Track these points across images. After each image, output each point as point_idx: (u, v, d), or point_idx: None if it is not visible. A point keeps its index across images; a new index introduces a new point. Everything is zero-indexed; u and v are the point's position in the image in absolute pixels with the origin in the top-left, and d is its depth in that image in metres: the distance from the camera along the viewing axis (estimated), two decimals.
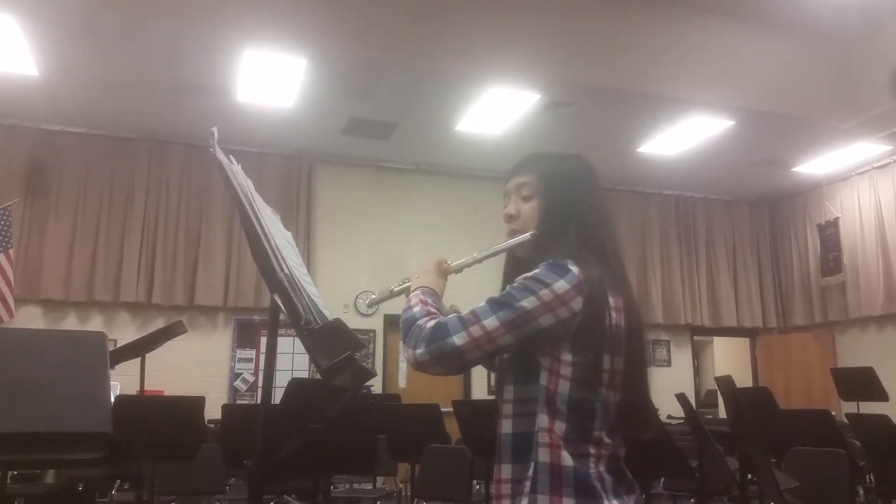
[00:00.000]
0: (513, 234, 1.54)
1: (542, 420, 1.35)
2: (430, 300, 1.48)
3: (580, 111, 7.16)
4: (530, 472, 1.33)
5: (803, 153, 8.36)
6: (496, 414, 1.46)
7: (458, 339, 1.34)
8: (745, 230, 10.21)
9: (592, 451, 1.34)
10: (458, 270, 1.61)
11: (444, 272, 1.60)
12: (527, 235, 1.50)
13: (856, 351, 9.01)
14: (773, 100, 6.91)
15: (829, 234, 9.24)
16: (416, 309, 1.44)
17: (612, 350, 1.38)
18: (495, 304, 1.36)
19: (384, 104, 7.11)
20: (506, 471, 1.38)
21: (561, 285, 1.35)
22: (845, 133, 7.51)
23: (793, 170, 8.90)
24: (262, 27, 5.59)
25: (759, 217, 10.33)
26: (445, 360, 1.35)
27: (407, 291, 1.58)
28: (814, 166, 8.75)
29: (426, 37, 6.05)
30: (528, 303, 1.34)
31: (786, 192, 9.86)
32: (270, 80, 6.40)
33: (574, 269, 1.37)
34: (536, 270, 1.38)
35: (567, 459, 1.32)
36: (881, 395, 6.50)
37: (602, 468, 1.34)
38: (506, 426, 1.41)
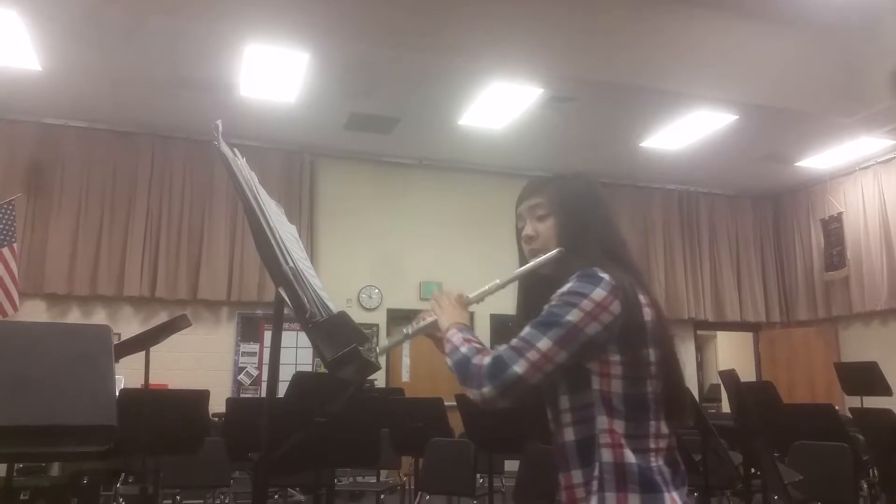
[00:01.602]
0: (534, 253, 1.58)
1: (602, 422, 1.40)
2: (470, 336, 1.51)
3: (583, 106, 7.15)
4: (596, 473, 1.38)
5: (807, 148, 8.34)
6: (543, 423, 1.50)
7: (519, 368, 1.37)
8: (749, 225, 10.20)
9: (652, 444, 1.41)
10: (480, 300, 1.63)
11: (465, 304, 1.62)
12: (553, 253, 1.54)
13: (859, 346, 9.00)
14: (776, 94, 6.88)
15: (833, 229, 9.22)
16: (464, 349, 1.46)
17: (652, 343, 1.44)
18: (542, 325, 1.40)
19: (386, 99, 7.11)
20: (576, 476, 1.43)
21: (598, 293, 1.40)
22: (849, 128, 7.49)
23: (796, 165, 8.88)
24: (265, 21, 5.59)
25: (762, 212, 10.31)
26: (511, 391, 1.38)
27: (425, 329, 1.61)
28: (817, 161, 8.72)
29: (428, 31, 6.04)
30: (572, 316, 1.38)
31: (789, 186, 9.84)
32: (273, 74, 6.39)
33: (604, 275, 1.42)
34: (570, 284, 1.43)
35: (630, 457, 1.37)
36: (884, 390, 6.49)
37: (661, 461, 1.40)
38: (567, 434, 1.45)
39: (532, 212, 1.61)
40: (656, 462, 1.39)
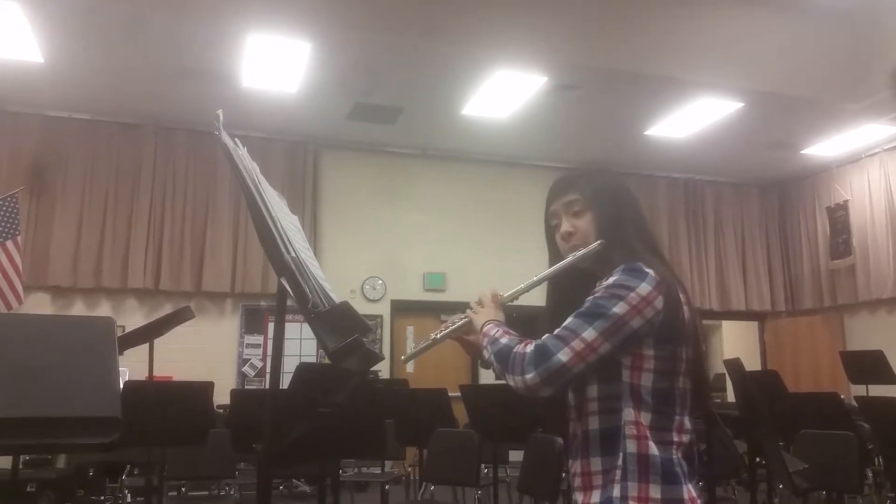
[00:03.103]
0: (574, 249, 1.58)
1: (629, 414, 1.42)
2: (508, 330, 1.53)
3: (588, 94, 7.11)
4: (619, 462, 1.41)
5: (813, 135, 8.29)
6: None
7: (564, 356, 1.39)
8: (754, 213, 10.16)
9: (675, 438, 1.44)
10: (514, 298, 1.63)
11: (499, 304, 1.62)
12: (595, 245, 1.54)
13: (865, 334, 8.98)
14: (782, 81, 6.83)
15: (839, 217, 9.17)
16: (505, 340, 1.48)
17: (685, 341, 1.47)
18: (588, 316, 1.42)
19: (389, 89, 7.08)
20: (595, 463, 1.45)
21: (644, 287, 1.42)
22: (855, 115, 7.44)
23: (802, 152, 8.83)
24: (266, 12, 5.56)
25: (768, 200, 10.27)
26: (554, 379, 1.40)
27: (450, 336, 1.61)
28: (823, 148, 8.68)
29: (431, 20, 6.00)
30: (619, 308, 1.41)
31: (795, 174, 9.79)
32: (275, 64, 6.37)
33: (649, 270, 1.45)
34: (615, 277, 1.45)
35: (654, 449, 1.41)
36: (890, 378, 6.48)
37: (680, 454, 1.44)
38: (592, 423, 1.47)
39: (568, 208, 1.61)
40: (677, 455, 1.42)
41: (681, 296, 1.49)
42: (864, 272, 8.80)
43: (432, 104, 7.44)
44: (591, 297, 1.45)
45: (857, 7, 6.49)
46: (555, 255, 1.64)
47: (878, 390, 6.26)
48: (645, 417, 1.42)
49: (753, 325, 10.47)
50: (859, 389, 6.82)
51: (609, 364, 1.43)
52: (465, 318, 1.60)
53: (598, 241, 1.54)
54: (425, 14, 5.97)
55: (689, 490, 1.42)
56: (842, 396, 4.68)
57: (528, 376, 1.40)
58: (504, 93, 7.00)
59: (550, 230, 1.65)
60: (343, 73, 6.65)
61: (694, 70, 6.62)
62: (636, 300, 1.41)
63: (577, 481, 1.49)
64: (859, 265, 8.86)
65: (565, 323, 1.43)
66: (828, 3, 6.50)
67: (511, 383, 1.43)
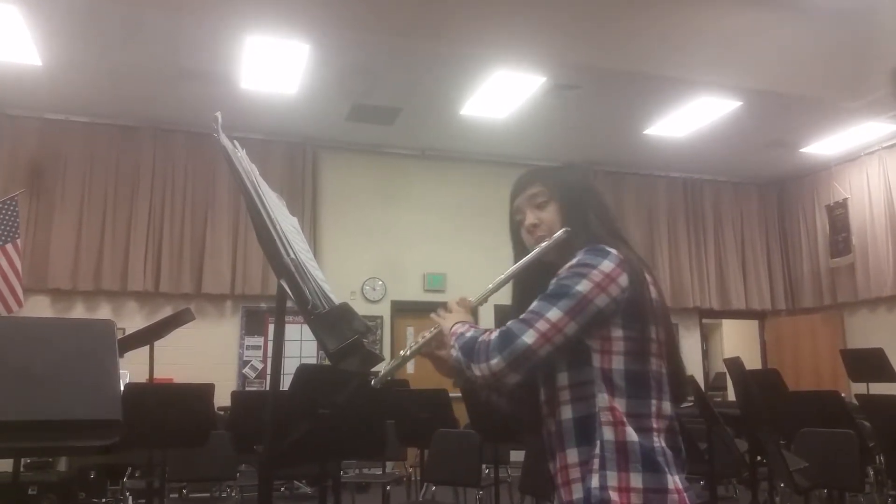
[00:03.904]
0: (540, 241, 1.56)
1: (603, 399, 1.37)
2: (476, 325, 1.50)
3: (586, 94, 7.11)
4: (597, 451, 1.35)
5: (811, 134, 8.30)
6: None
7: (528, 338, 1.35)
8: (754, 212, 10.16)
9: (655, 424, 1.38)
10: (483, 301, 1.61)
11: (468, 308, 1.60)
12: (560, 233, 1.53)
13: (865, 332, 8.98)
14: (780, 80, 6.83)
15: (838, 215, 9.18)
16: (470, 333, 1.45)
17: (656, 321, 1.43)
18: (552, 297, 1.39)
19: (388, 89, 7.08)
20: (571, 455, 1.40)
21: (606, 264, 1.40)
22: (854, 113, 7.44)
23: (801, 151, 8.83)
24: (265, 13, 5.56)
25: (767, 199, 10.27)
26: (521, 362, 1.35)
27: (419, 352, 1.57)
28: (822, 147, 8.68)
29: (430, 20, 6.00)
30: (582, 287, 1.38)
31: (794, 173, 9.80)
32: (274, 66, 6.37)
33: (612, 250, 1.43)
34: (578, 257, 1.43)
35: (632, 435, 1.35)
36: (890, 376, 6.48)
37: (663, 442, 1.38)
38: (565, 412, 1.42)
39: (532, 200, 1.60)
40: (659, 442, 1.37)
41: (647, 276, 1.46)
42: (864, 270, 8.80)
43: (431, 105, 7.44)
44: (554, 280, 1.42)
45: (856, 5, 6.49)
46: (520, 253, 1.62)
47: (878, 388, 6.25)
48: (620, 403, 1.36)
49: (753, 323, 10.47)
50: (860, 387, 6.82)
51: (578, 349, 1.39)
52: (434, 329, 1.56)
53: (563, 229, 1.53)
54: (424, 15, 5.97)
55: (675, 480, 1.34)
56: (842, 395, 4.68)
57: (493, 361, 1.35)
58: (503, 93, 7.00)
59: (515, 226, 1.64)
60: (342, 75, 6.65)
61: (693, 69, 6.62)
62: (599, 277, 1.38)
63: (558, 478, 1.43)
64: (859, 263, 8.87)
65: (530, 307, 1.40)
66: (826, 2, 6.50)
67: (477, 373, 1.38)
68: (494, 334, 1.39)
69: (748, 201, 10.17)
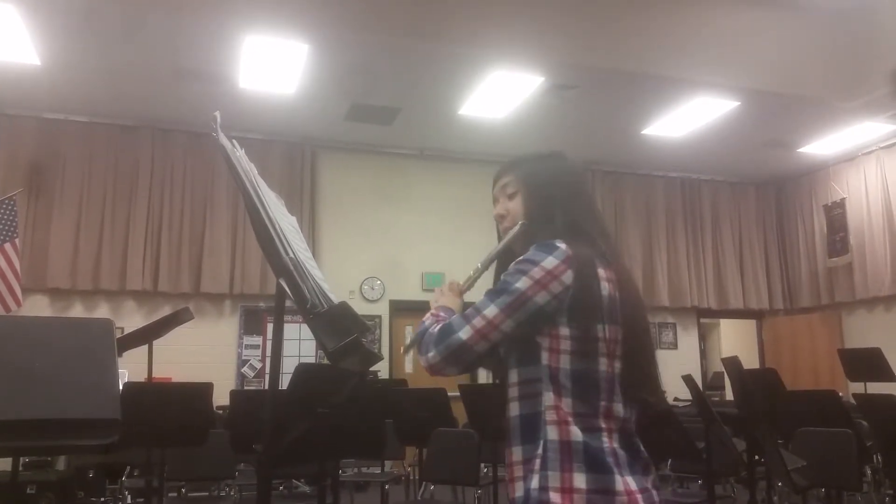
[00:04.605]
0: (506, 231, 1.60)
1: (548, 398, 1.36)
2: (441, 313, 1.53)
3: (584, 93, 7.11)
4: (539, 451, 1.34)
5: (809, 134, 8.31)
6: (501, 400, 1.48)
7: (464, 334, 1.39)
8: (752, 212, 10.18)
9: (604, 424, 1.36)
10: (471, 285, 1.64)
11: (458, 291, 1.64)
12: (517, 227, 1.56)
13: (863, 332, 9.00)
14: (778, 80, 6.85)
15: (836, 215, 9.19)
16: (427, 321, 1.50)
17: (608, 319, 1.40)
18: (492, 293, 1.42)
19: (387, 89, 7.08)
20: (517, 453, 1.39)
21: (550, 261, 1.39)
22: (851, 113, 7.46)
23: (798, 150, 8.84)
24: (264, 13, 5.56)
25: (765, 198, 10.29)
26: (455, 357, 1.39)
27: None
28: (820, 147, 8.69)
29: (428, 20, 6.00)
30: (521, 284, 1.38)
31: (792, 173, 9.81)
32: (272, 65, 6.37)
33: (561, 245, 1.42)
34: (526, 254, 1.44)
35: (577, 434, 1.33)
36: (888, 376, 6.49)
37: (615, 443, 1.35)
38: (513, 409, 1.42)
39: (503, 191, 1.62)
40: (609, 443, 1.34)
41: (603, 272, 1.42)
42: (862, 270, 8.81)
43: (430, 105, 7.44)
44: (503, 274, 1.45)
45: (854, 5, 6.50)
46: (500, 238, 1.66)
47: (876, 388, 6.27)
48: (566, 403, 1.34)
49: (751, 323, 10.48)
50: (857, 387, 6.83)
51: (528, 347, 1.39)
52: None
53: (520, 223, 1.55)
54: (422, 15, 5.98)
55: (627, 482, 1.31)
56: (840, 394, 4.68)
57: (430, 354, 1.40)
58: (501, 93, 7.01)
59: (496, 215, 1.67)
60: (340, 74, 6.65)
61: (690, 69, 6.63)
62: (539, 274, 1.37)
63: (507, 474, 1.43)
64: (857, 263, 8.88)
65: (475, 303, 1.43)
66: (824, 2, 6.52)
67: (422, 363, 1.43)
68: (437, 326, 1.44)
69: (746, 201, 10.19)
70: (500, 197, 1.63)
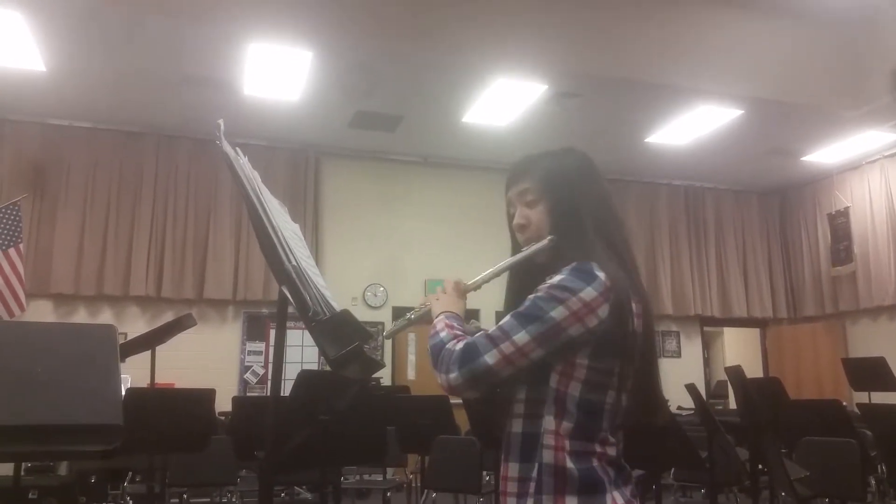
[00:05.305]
0: (528, 242, 1.50)
1: (549, 422, 1.34)
2: (454, 323, 1.45)
3: (588, 102, 7.12)
4: (534, 474, 1.33)
5: (813, 142, 8.30)
6: (503, 412, 1.44)
7: (490, 358, 1.31)
8: (755, 220, 10.16)
9: (598, 449, 1.34)
10: (477, 287, 1.57)
11: (462, 292, 1.56)
12: (545, 242, 1.45)
13: (867, 341, 8.96)
14: (782, 88, 6.85)
15: (840, 224, 9.18)
16: (443, 334, 1.41)
17: (628, 355, 1.36)
18: (523, 318, 1.33)
19: (390, 97, 7.10)
20: (513, 469, 1.37)
21: (588, 292, 1.32)
22: (855, 121, 7.45)
23: (802, 159, 8.83)
24: (268, 20, 5.59)
25: (768, 207, 10.27)
26: (479, 381, 1.33)
27: (426, 317, 1.54)
28: (823, 155, 8.68)
29: (432, 28, 6.03)
30: (556, 314, 1.31)
31: (795, 181, 9.80)
32: (276, 73, 6.39)
33: (600, 274, 1.34)
34: (562, 276, 1.35)
35: (570, 461, 1.31)
36: (892, 385, 6.45)
37: (605, 463, 1.34)
38: (516, 425, 1.39)
39: (521, 198, 1.52)
40: (600, 463, 1.33)
41: (634, 305, 1.37)
42: (866, 279, 8.79)
43: (433, 112, 7.46)
44: (532, 296, 1.35)
45: (857, 14, 6.52)
46: (516, 244, 1.55)
47: (880, 397, 6.24)
48: (566, 428, 1.32)
49: (755, 331, 10.45)
50: (861, 396, 6.81)
51: (538, 367, 1.34)
52: (424, 308, 1.55)
53: (549, 238, 1.45)
54: (426, 23, 6.00)
55: (615, 497, 1.31)
56: (844, 403, 4.68)
57: (452, 375, 1.33)
58: (504, 101, 7.02)
59: (510, 218, 1.56)
60: (344, 82, 6.67)
61: (694, 77, 6.64)
62: (577, 306, 1.30)
63: (500, 485, 1.41)
64: (860, 272, 8.86)
65: (501, 322, 1.35)
66: (826, 11, 6.53)
67: (438, 380, 1.36)
68: (460, 345, 1.35)
69: (749, 209, 10.17)
70: (518, 203, 1.52)
